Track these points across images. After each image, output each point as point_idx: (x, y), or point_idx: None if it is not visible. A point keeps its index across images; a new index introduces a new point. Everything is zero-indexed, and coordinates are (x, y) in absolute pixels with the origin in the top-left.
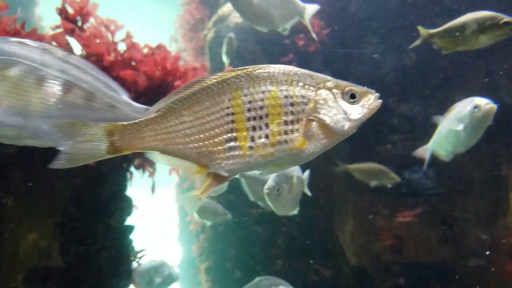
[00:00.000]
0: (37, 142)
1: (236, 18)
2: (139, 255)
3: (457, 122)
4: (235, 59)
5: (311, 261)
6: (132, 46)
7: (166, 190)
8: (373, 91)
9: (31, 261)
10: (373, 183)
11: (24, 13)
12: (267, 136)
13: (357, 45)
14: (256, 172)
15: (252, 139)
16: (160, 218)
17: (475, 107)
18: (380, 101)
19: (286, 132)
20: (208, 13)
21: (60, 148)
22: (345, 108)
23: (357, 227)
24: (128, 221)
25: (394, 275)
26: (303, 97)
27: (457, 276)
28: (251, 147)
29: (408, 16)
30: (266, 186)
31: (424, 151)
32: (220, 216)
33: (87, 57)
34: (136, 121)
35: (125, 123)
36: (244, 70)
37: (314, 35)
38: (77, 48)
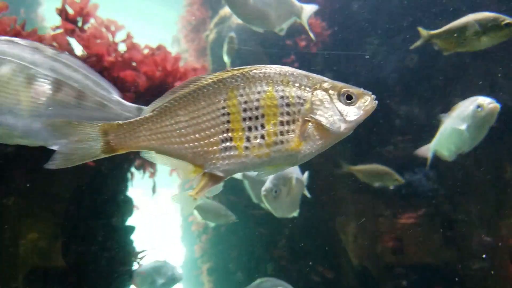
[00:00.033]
0: (28, 141)
1: (238, 19)
2: (139, 255)
3: (460, 122)
4: (236, 59)
5: (313, 263)
6: (132, 46)
7: (169, 191)
8: (370, 92)
9: (31, 261)
10: (377, 185)
11: (28, 13)
12: (262, 137)
13: (358, 46)
14: None
15: (248, 139)
16: (164, 218)
17: (478, 106)
18: (376, 102)
19: (282, 133)
20: (210, 14)
21: (55, 148)
22: (341, 109)
23: (359, 228)
24: (130, 222)
25: (396, 277)
26: (299, 97)
27: (459, 279)
28: (246, 148)
29: (410, 17)
30: (263, 188)
31: (426, 150)
32: (223, 217)
33: (87, 57)
34: (132, 120)
35: (121, 122)
36: (240, 70)
37: (312, 35)
38: (77, 48)
